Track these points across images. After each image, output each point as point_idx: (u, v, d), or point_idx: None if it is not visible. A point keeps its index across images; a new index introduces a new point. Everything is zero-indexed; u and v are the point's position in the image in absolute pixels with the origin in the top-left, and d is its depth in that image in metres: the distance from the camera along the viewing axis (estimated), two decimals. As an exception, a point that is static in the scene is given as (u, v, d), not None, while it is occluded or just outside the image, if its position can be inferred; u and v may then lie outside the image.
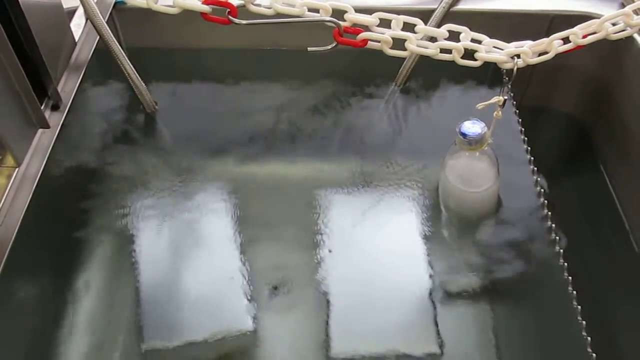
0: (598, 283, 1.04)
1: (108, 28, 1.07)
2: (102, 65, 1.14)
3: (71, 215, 1.02)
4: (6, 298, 0.82)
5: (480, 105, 0.85)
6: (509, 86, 0.86)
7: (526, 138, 1.11)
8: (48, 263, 0.95)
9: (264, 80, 1.25)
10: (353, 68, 1.22)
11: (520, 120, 1.15)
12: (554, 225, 0.97)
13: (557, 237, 0.95)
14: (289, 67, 1.25)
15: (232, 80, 1.25)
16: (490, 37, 0.79)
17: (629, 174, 1.13)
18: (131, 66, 1.11)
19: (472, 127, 0.91)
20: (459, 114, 1.10)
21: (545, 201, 1.00)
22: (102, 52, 1.09)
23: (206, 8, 0.69)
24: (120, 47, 1.08)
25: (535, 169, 1.05)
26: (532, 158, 1.07)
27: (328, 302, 0.92)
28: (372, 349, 0.87)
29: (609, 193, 1.17)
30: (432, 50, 0.76)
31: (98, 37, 1.10)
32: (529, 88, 1.27)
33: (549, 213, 0.99)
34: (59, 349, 0.88)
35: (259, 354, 0.88)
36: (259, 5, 0.70)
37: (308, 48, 0.74)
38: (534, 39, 0.80)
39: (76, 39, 1.11)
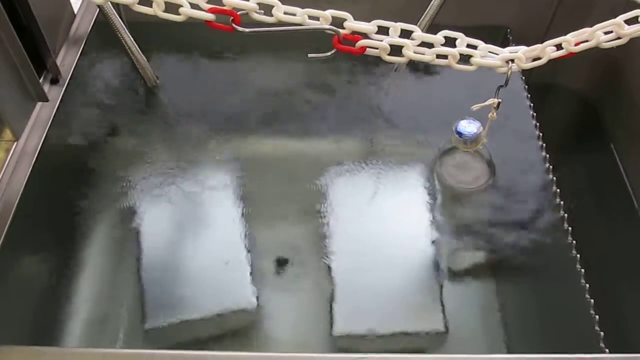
0: (606, 261, 1.10)
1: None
2: (102, 38, 1.20)
3: (72, 189, 1.08)
4: (6, 273, 0.87)
5: (475, 107, 0.94)
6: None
7: (535, 114, 1.20)
8: (48, 238, 1.01)
9: (269, 54, 1.30)
10: None
11: (529, 95, 1.23)
12: (562, 202, 1.04)
13: (566, 214, 1.03)
14: (293, 41, 1.23)
15: (237, 54, 1.31)
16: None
17: (638, 151, 1.19)
18: (132, 39, 1.17)
19: (468, 127, 1.01)
20: (466, 88, 1.18)
21: (554, 178, 1.08)
22: (102, 24, 1.15)
23: (211, 16, 0.80)
24: (120, 20, 1.14)
25: (544, 145, 1.13)
26: (541, 134, 1.15)
27: (332, 278, 0.98)
28: (377, 326, 0.93)
29: (618, 171, 1.24)
30: (428, 56, 0.87)
31: (98, 10, 1.18)
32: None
33: (558, 190, 1.06)
34: (60, 325, 0.94)
35: (263, 330, 0.94)
36: (261, 12, 0.81)
37: (308, 55, 0.85)
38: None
39: (75, 11, 1.18)
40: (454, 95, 1.23)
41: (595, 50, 1.32)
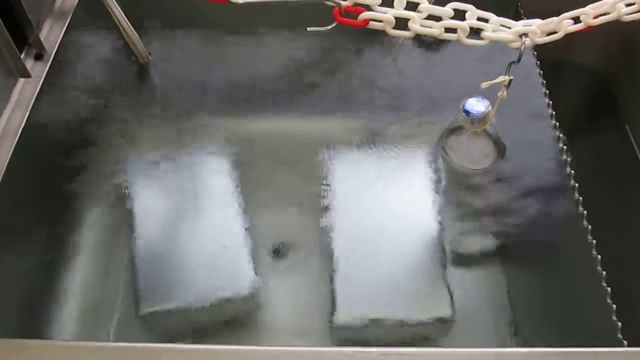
0: (622, 247, 1.08)
1: None
2: (91, 12, 1.16)
3: (59, 171, 1.05)
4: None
5: (484, 85, 0.91)
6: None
7: (547, 91, 1.17)
8: (34, 222, 0.98)
9: (268, 30, 1.27)
10: None
11: (541, 72, 1.20)
12: (577, 184, 1.02)
13: (581, 198, 1.01)
14: (295, 15, 1.20)
15: (234, 29, 1.27)
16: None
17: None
18: (122, 13, 1.13)
19: (476, 105, 0.98)
20: (475, 64, 1.16)
21: (568, 159, 1.06)
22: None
23: (203, -13, 0.77)
24: None
25: (557, 124, 1.11)
26: (554, 113, 1.12)
27: (334, 265, 0.96)
28: (379, 315, 0.92)
29: (634, 153, 1.21)
30: (436, 30, 0.83)
31: None
32: None
33: (572, 171, 1.04)
34: (50, 314, 0.93)
35: (261, 319, 0.93)
36: (257, -17, 0.77)
37: (307, 28, 0.81)
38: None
39: None
40: (461, 72, 1.20)
41: (612, 25, 1.29)
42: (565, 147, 1.09)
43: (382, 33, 1.22)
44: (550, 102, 1.15)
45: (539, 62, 1.23)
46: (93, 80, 1.19)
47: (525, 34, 0.88)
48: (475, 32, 0.88)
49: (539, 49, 1.25)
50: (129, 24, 1.15)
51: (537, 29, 0.87)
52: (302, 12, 1.23)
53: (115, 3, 1.12)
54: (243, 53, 1.26)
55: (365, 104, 1.19)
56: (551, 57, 1.26)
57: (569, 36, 1.31)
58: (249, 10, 1.22)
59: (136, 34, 1.18)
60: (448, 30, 0.85)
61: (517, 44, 0.88)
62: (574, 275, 0.99)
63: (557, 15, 0.86)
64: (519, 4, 1.30)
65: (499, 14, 0.86)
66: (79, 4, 1.14)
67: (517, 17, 1.18)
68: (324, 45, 1.26)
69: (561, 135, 1.10)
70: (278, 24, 1.27)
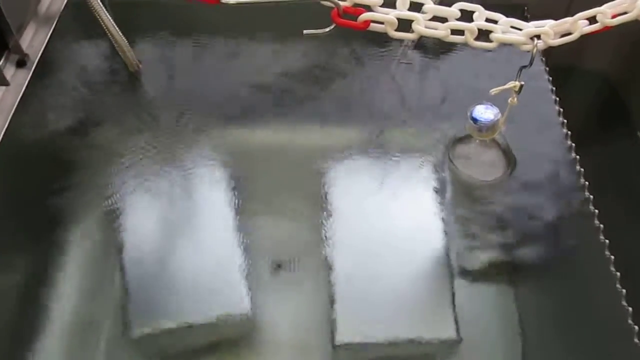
0: (634, 257, 1.02)
1: None
2: (78, 17, 1.13)
3: (43, 185, 1.02)
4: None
5: (493, 91, 0.86)
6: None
7: (558, 98, 1.13)
8: (18, 239, 0.96)
9: (263, 36, 1.24)
10: None
11: (550, 78, 1.16)
12: (592, 197, 0.98)
13: (596, 210, 0.97)
14: (291, 20, 1.17)
15: (228, 36, 1.24)
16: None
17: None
18: (111, 20, 1.10)
19: (485, 113, 0.93)
20: (479, 71, 1.15)
21: (582, 169, 1.02)
22: (79, 3, 1.08)
23: (191, -13, 0.71)
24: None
25: (569, 133, 1.07)
26: (565, 121, 1.08)
27: (335, 281, 0.93)
28: (383, 334, 0.88)
29: None
30: (442, 31, 0.78)
31: None
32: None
33: (587, 183, 1.00)
34: (36, 335, 0.88)
35: (259, 339, 0.89)
36: (250, -18, 0.71)
37: (304, 31, 0.75)
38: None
39: None
40: (468, 79, 1.17)
41: (621, 29, 1.25)
42: (577, 157, 1.04)
43: (384, 37, 1.23)
44: (561, 110, 1.11)
45: (547, 69, 1.19)
46: (80, 90, 1.15)
47: (538, 36, 0.82)
48: (483, 35, 0.82)
49: (546, 54, 1.21)
50: (118, 30, 1.12)
51: (550, 30, 0.81)
52: (299, 17, 1.20)
53: (104, 9, 1.08)
54: (238, 61, 1.22)
55: (366, 112, 1.15)
56: (557, 63, 1.23)
57: (580, 40, 1.28)
58: (244, 17, 1.22)
59: (125, 41, 1.14)
60: (454, 32, 0.79)
61: (528, 47, 0.83)
62: (589, 292, 0.94)
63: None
64: (526, 8, 1.27)
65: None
66: (66, 9, 1.11)
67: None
68: (323, 52, 1.23)
69: (573, 144, 1.06)
70: (274, 31, 1.24)
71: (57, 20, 1.08)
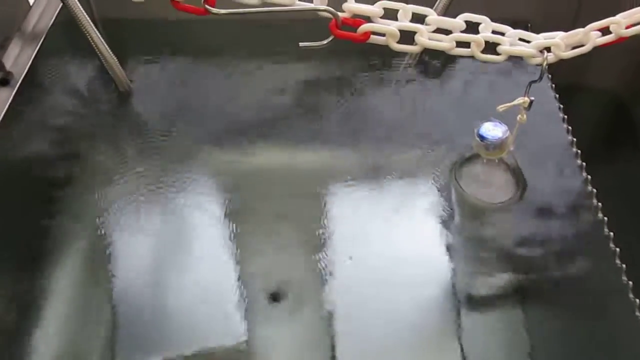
0: None
1: None
2: (67, 34, 1.11)
3: (29, 210, 0.99)
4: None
5: (501, 108, 0.82)
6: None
7: (566, 116, 1.10)
8: (3, 271, 0.93)
9: (258, 55, 1.23)
10: None
11: (557, 96, 1.13)
12: (606, 219, 0.94)
13: (611, 233, 0.93)
14: (287, 39, 1.15)
15: (222, 55, 1.23)
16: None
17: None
18: (100, 38, 1.08)
19: (493, 130, 0.90)
20: (484, 92, 1.13)
21: (594, 190, 0.98)
22: (68, 21, 1.06)
23: (178, -6, 0.66)
24: (86, 16, 1.05)
25: (579, 152, 1.03)
26: (575, 139, 1.05)
27: (335, 313, 0.89)
28: None
29: None
30: (446, 43, 0.73)
31: (61, 3, 1.06)
32: (561, 62, 1.24)
33: (599, 204, 0.97)
34: None
35: None
36: (242, -9, 0.66)
37: (300, 44, 0.71)
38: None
39: (31, 2, 1.09)
40: (473, 97, 1.15)
41: (626, 43, 1.22)
42: (589, 177, 1.01)
43: (384, 56, 1.19)
44: (570, 128, 1.08)
45: (554, 86, 1.16)
46: (67, 110, 1.12)
47: (548, 48, 0.77)
48: (489, 49, 0.77)
49: (552, 72, 1.18)
50: (108, 48, 1.09)
51: (561, 42, 0.76)
52: (295, 33, 1.18)
53: (93, 26, 1.06)
54: (232, 80, 1.20)
55: (367, 133, 1.11)
56: (563, 81, 1.20)
57: (580, 58, 1.26)
58: (238, 35, 1.23)
59: (115, 60, 1.12)
60: (460, 44, 0.74)
61: (538, 60, 0.78)
62: (605, 321, 0.89)
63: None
64: (529, 25, 1.23)
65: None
66: (53, 26, 1.08)
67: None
68: (321, 71, 1.21)
69: (584, 164, 1.03)
70: (269, 48, 1.23)
71: (44, 38, 1.05)
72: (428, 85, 1.19)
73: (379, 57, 1.21)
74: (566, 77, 1.22)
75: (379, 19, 0.72)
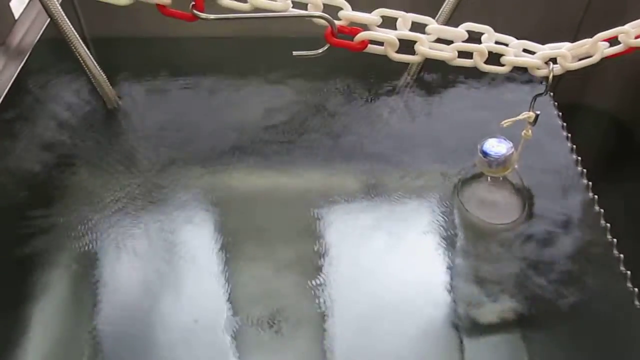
0: None
1: (60, 8, 1.01)
2: (54, 50, 1.09)
3: (11, 229, 0.96)
4: None
5: (505, 123, 0.79)
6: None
7: (570, 135, 1.08)
8: None
9: (249, 74, 1.20)
10: (355, 56, 1.13)
11: (560, 114, 1.11)
12: (615, 240, 0.91)
13: (621, 255, 0.90)
14: (279, 57, 1.13)
15: (213, 73, 1.20)
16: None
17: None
18: (89, 54, 1.06)
19: (497, 147, 0.86)
20: (484, 112, 1.10)
21: (602, 210, 0.95)
22: (55, 38, 1.04)
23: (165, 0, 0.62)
24: (74, 31, 1.03)
25: (584, 171, 1.01)
26: (580, 158, 1.03)
27: (332, 341, 0.86)
28: None
29: None
30: (448, 53, 0.69)
31: (49, 19, 1.04)
32: (561, 82, 1.20)
33: (608, 225, 0.93)
34: None
35: None
36: (232, -5, 0.63)
37: (294, 52, 0.67)
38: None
39: (16, 16, 1.06)
40: (473, 115, 1.12)
41: (627, 63, 1.20)
42: (596, 197, 0.98)
43: (381, 69, 1.16)
44: (574, 147, 1.06)
45: (556, 103, 1.14)
46: (53, 128, 1.09)
47: (554, 59, 0.74)
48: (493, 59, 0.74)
49: (553, 89, 1.16)
50: (96, 65, 1.07)
51: (567, 53, 0.73)
52: (287, 51, 1.16)
53: (80, 42, 1.04)
54: (224, 99, 1.17)
55: (365, 152, 1.08)
56: (562, 102, 1.18)
57: (581, 78, 1.24)
58: (228, 53, 1.22)
59: (104, 76, 1.09)
60: (462, 54, 0.70)
61: (544, 71, 0.75)
62: (616, 349, 0.85)
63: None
64: None
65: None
66: (40, 41, 1.06)
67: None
68: (316, 89, 1.18)
69: (590, 183, 1.00)
70: (262, 67, 1.21)
71: (29, 54, 1.02)
72: (426, 103, 1.16)
73: (374, 75, 1.19)
74: (565, 97, 1.21)
75: (377, 28, 0.68)
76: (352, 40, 0.68)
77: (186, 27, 1.15)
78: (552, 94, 1.14)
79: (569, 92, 1.23)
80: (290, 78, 1.19)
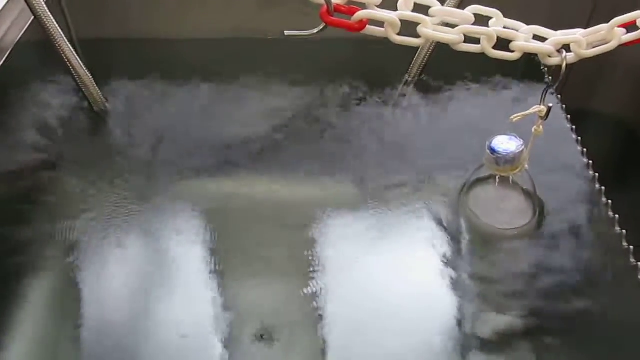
0: None
1: (45, 7, 0.98)
2: (37, 49, 1.07)
3: None
4: None
5: (515, 117, 0.74)
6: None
7: (580, 138, 1.04)
8: None
9: (242, 77, 1.17)
10: (354, 57, 1.13)
11: (569, 116, 1.07)
12: (632, 247, 0.86)
13: (639, 264, 0.85)
14: (273, 59, 1.16)
15: (204, 76, 1.16)
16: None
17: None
18: (75, 54, 1.02)
19: (506, 143, 0.81)
20: (487, 116, 1.06)
21: (616, 216, 0.90)
22: (36, 40, 1.04)
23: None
24: (59, 29, 0.99)
25: (597, 175, 0.97)
26: (591, 162, 0.99)
27: (327, 355, 0.81)
28: None
29: None
30: (454, 36, 0.63)
31: (32, 17, 1.00)
32: (567, 86, 1.16)
33: (624, 231, 0.88)
34: None
35: None
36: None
37: (285, 32, 0.62)
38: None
39: None
40: (476, 119, 1.07)
41: (635, 70, 1.17)
42: (610, 202, 0.92)
43: (381, 72, 1.13)
44: (585, 150, 1.01)
45: (564, 106, 1.10)
46: (36, 131, 1.05)
47: (567, 47, 0.68)
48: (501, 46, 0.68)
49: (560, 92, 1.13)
50: (83, 66, 1.04)
51: (582, 39, 0.67)
52: (283, 54, 1.15)
53: (66, 41, 1.01)
54: (215, 103, 1.13)
55: (363, 158, 1.04)
56: (568, 107, 1.14)
57: (588, 83, 1.21)
58: (224, 55, 1.19)
59: (90, 77, 1.06)
60: (468, 39, 0.64)
61: (556, 60, 0.69)
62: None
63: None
64: None
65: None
66: (22, 39, 1.04)
67: (533, 63, 1.09)
68: (312, 94, 1.14)
69: (603, 188, 0.95)
70: (257, 70, 1.17)
71: (9, 53, 1.00)
72: (427, 106, 1.12)
73: (374, 78, 1.15)
74: (569, 102, 1.16)
75: (376, 7, 0.62)
76: (350, 19, 0.62)
77: (175, 28, 1.15)
78: (559, 96, 1.10)
79: (576, 97, 1.18)
80: (286, 81, 1.15)
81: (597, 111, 1.25)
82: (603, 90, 1.23)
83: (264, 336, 0.82)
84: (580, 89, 1.22)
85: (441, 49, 1.07)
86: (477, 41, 0.67)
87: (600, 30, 0.68)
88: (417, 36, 0.63)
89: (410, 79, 1.14)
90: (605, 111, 1.25)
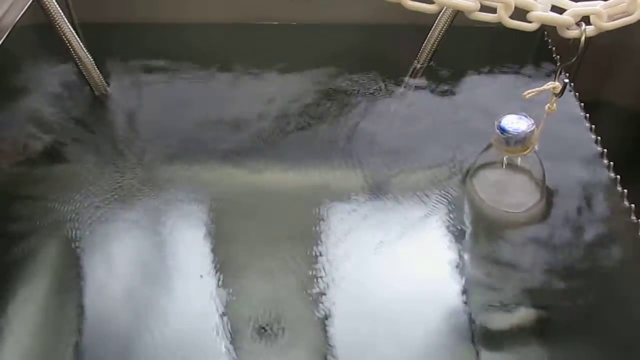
0: None
1: None
2: (37, 32, 1.06)
3: None
4: None
5: (528, 93, 0.71)
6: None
7: (593, 126, 1.01)
8: None
9: (246, 63, 1.15)
10: (361, 44, 1.11)
11: (582, 104, 1.06)
12: None
13: None
14: (277, 45, 1.15)
15: (207, 62, 1.15)
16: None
17: None
18: (76, 36, 1.01)
19: (516, 123, 0.78)
20: (498, 103, 1.02)
21: (632, 205, 0.87)
22: (41, 19, 0.99)
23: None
24: (60, 10, 0.98)
25: (612, 163, 0.94)
26: (605, 150, 0.96)
27: (331, 350, 0.79)
28: None
29: None
30: (470, 3, 0.60)
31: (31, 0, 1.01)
32: (579, 77, 1.16)
33: (638, 220, 0.86)
34: None
35: None
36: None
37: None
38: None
39: None
40: (485, 106, 1.05)
41: None
42: (625, 191, 0.90)
43: (390, 61, 1.12)
44: (599, 138, 0.99)
45: (577, 94, 1.08)
46: (36, 115, 1.04)
47: (586, 19, 0.65)
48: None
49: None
50: (84, 48, 1.03)
51: (602, 11, 0.64)
52: (289, 38, 1.15)
53: (68, 24, 1.00)
54: (220, 88, 1.11)
55: (371, 147, 1.02)
56: (585, 99, 1.12)
57: (601, 74, 1.17)
58: (226, 41, 1.18)
59: (92, 60, 1.05)
60: (484, 9, 0.62)
61: (574, 32, 0.65)
62: None
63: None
64: (545, 32, 1.18)
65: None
66: (21, 21, 1.00)
67: (544, 52, 1.13)
68: (318, 81, 1.12)
69: (618, 176, 0.93)
70: (259, 56, 1.16)
71: (6, 37, 0.96)
72: (436, 94, 1.10)
73: (382, 66, 1.13)
74: (586, 93, 1.14)
75: (389, -29, 0.59)
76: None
77: (178, 12, 1.13)
78: (572, 83, 1.07)
79: (588, 88, 1.15)
80: (292, 68, 1.13)
81: (610, 102, 1.21)
82: (616, 81, 1.19)
83: (262, 331, 0.81)
84: (593, 80, 1.20)
85: (450, 35, 1.07)
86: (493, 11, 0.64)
87: (622, 1, 0.65)
88: (432, 2, 0.60)
89: (419, 66, 1.12)
90: (618, 102, 1.21)
